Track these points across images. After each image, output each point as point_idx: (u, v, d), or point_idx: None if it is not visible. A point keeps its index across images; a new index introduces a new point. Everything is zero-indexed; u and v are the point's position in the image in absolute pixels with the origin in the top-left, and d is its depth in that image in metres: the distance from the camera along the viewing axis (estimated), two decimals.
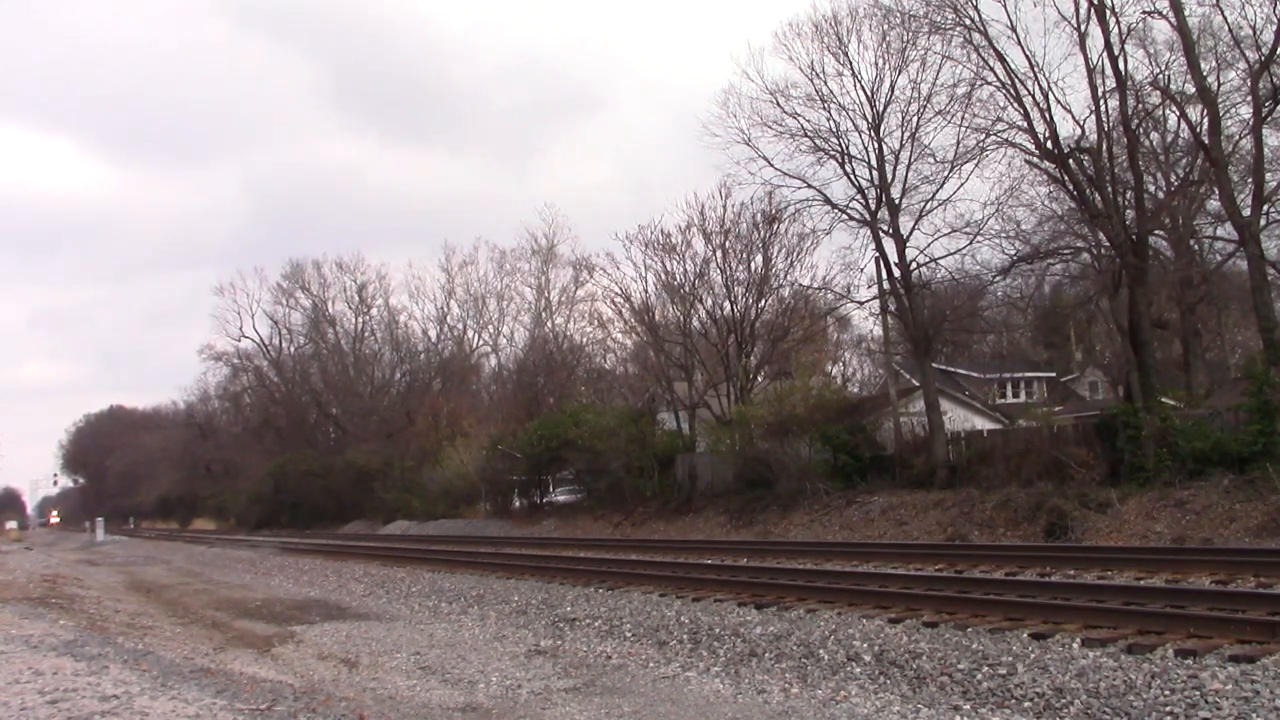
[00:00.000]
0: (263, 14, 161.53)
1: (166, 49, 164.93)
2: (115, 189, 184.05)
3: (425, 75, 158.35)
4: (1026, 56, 23.60)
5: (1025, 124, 23.93)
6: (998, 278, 27.91)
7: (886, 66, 26.80)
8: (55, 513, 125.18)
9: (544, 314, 61.14)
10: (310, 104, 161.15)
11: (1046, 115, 23.66)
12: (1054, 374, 46.12)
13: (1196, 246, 30.44)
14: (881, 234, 27.86)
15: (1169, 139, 27.18)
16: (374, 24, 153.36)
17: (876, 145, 27.56)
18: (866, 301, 30.40)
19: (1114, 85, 23.12)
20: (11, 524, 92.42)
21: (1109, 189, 23.81)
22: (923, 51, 25.83)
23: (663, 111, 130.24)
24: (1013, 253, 26.43)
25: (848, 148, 27.91)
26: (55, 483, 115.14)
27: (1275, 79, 22.05)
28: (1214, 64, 23.60)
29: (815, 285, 33.80)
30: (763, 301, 35.49)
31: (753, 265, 34.64)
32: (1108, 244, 23.95)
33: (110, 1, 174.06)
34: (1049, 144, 23.83)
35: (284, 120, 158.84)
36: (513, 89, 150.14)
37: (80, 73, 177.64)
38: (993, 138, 24.72)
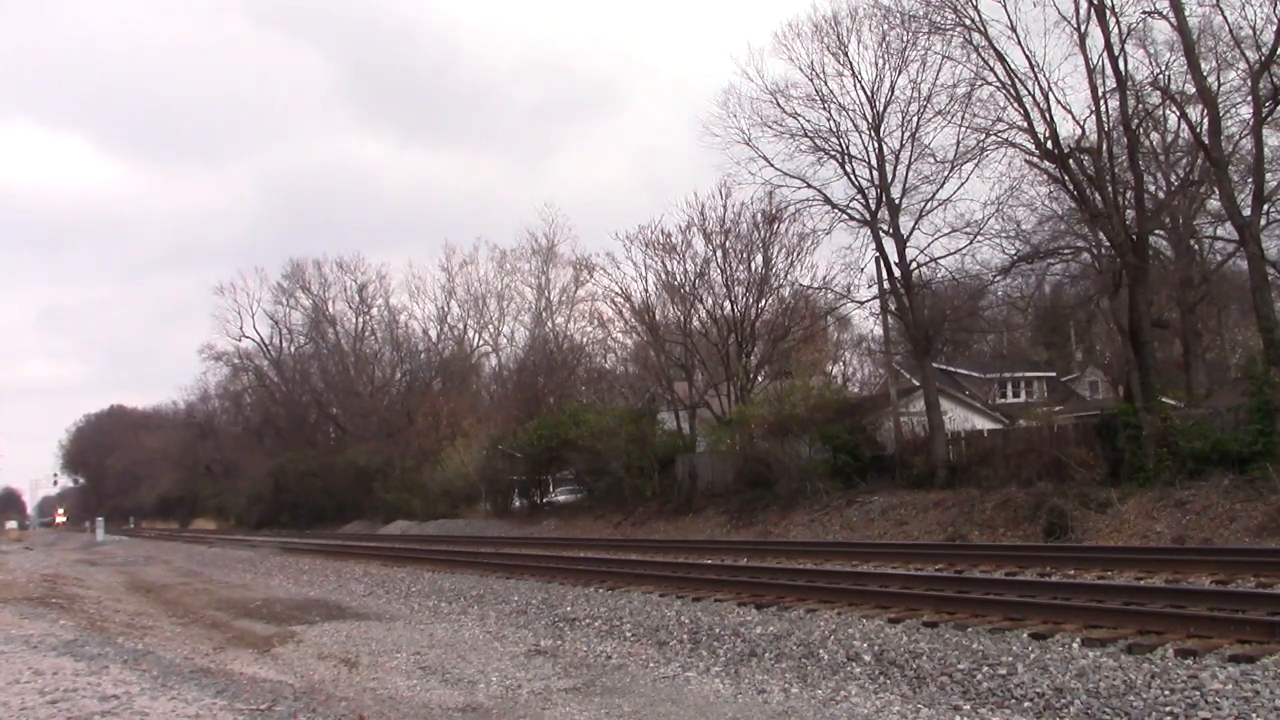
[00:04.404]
0: (280, 12, 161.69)
1: (183, 46, 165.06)
2: (129, 187, 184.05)
3: (439, 74, 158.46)
4: (1026, 56, 23.66)
5: (1025, 124, 23.95)
6: (998, 278, 27.98)
7: (886, 67, 26.89)
8: (61, 511, 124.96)
9: (544, 314, 61.15)
10: (325, 102, 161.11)
11: (1046, 115, 23.70)
12: (1054, 374, 46.12)
13: (1196, 246, 30.43)
14: (881, 234, 27.88)
15: (1169, 139, 27.16)
16: (390, 22, 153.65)
17: (876, 145, 27.62)
18: (866, 301, 30.46)
19: (1114, 85, 23.14)
20: (12, 524, 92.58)
21: (1109, 189, 23.81)
22: (923, 52, 25.91)
23: (678, 110, 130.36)
24: (1013, 253, 26.49)
25: (848, 148, 27.99)
26: (55, 483, 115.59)
27: (1275, 79, 22.04)
28: (1214, 64, 23.62)
29: (815, 285, 33.89)
30: (763, 301, 35.57)
31: (753, 265, 34.72)
32: (1108, 244, 23.95)
33: None
34: (1049, 144, 23.83)
35: (298, 119, 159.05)
36: (527, 88, 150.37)
37: (95, 70, 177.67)
38: (993, 138, 24.78)
